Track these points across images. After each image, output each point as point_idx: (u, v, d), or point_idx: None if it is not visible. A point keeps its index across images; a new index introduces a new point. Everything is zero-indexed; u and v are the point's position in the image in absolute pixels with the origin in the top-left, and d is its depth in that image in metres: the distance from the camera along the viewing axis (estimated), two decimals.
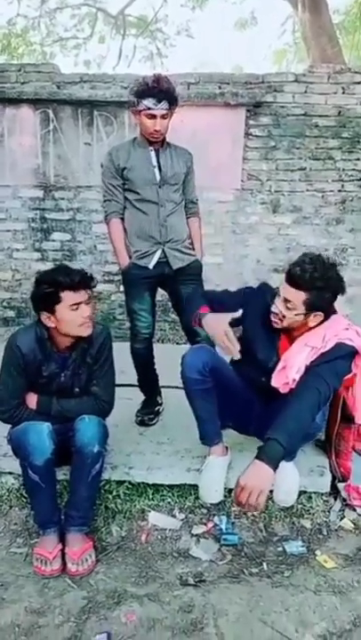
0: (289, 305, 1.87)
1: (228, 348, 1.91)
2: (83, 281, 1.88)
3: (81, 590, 1.77)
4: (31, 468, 1.83)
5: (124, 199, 2.41)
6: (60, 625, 1.63)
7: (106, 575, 1.84)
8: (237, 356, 1.93)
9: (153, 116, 2.23)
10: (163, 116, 2.24)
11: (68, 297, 1.86)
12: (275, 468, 1.68)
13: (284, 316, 1.90)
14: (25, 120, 3.96)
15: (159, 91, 2.20)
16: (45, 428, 1.87)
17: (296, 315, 1.88)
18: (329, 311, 1.94)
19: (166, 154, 2.38)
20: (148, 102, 2.21)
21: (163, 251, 2.41)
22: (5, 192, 4.10)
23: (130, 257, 2.42)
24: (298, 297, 1.85)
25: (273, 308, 1.92)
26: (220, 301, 2.10)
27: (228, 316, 1.97)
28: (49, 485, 1.88)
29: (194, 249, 2.53)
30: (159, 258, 2.41)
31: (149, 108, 2.22)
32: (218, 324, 1.95)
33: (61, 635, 1.59)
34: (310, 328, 1.95)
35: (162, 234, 2.39)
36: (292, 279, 1.85)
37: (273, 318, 1.94)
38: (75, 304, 1.86)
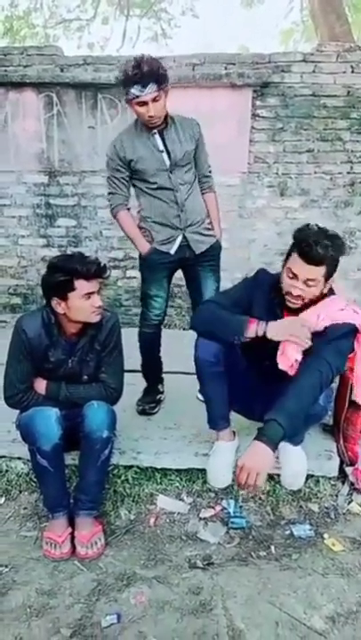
0: (311, 283, 1.83)
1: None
2: (97, 271, 1.88)
3: (90, 573, 1.79)
4: (39, 452, 1.84)
5: (129, 188, 2.37)
6: (70, 606, 1.65)
7: (115, 558, 1.86)
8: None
9: (144, 103, 2.14)
10: (154, 99, 2.14)
11: (81, 286, 1.85)
12: (274, 448, 1.67)
13: (305, 296, 1.86)
14: (28, 104, 3.92)
15: (141, 76, 2.08)
16: (53, 413, 1.88)
17: (318, 289, 1.86)
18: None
19: (171, 133, 2.29)
20: (135, 90, 2.11)
21: (183, 236, 2.37)
22: (10, 177, 4.07)
23: (150, 241, 2.38)
24: (320, 272, 1.83)
25: (293, 291, 1.86)
26: (235, 304, 2.03)
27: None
28: (57, 470, 1.90)
29: (212, 227, 2.48)
30: (180, 242, 2.38)
31: (137, 96, 2.12)
32: (286, 328, 1.84)
33: (72, 616, 1.62)
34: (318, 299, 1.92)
35: (181, 219, 2.35)
36: (314, 258, 1.80)
37: (292, 300, 1.89)
38: (87, 293, 1.86)
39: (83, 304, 1.88)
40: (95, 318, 1.93)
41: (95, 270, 1.87)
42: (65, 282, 1.85)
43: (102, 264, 1.91)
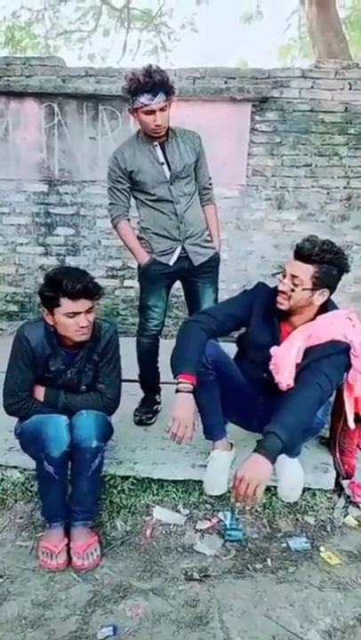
0: (296, 281, 1.87)
1: (179, 436, 1.79)
2: (85, 292, 1.82)
3: (86, 584, 1.78)
4: (47, 459, 1.83)
5: (130, 199, 2.39)
6: (65, 618, 1.64)
7: (111, 569, 1.85)
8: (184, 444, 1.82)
9: (152, 112, 2.15)
10: (161, 109, 2.16)
11: (66, 304, 1.83)
12: (273, 461, 1.68)
13: (291, 294, 1.89)
14: (30, 114, 3.95)
15: (153, 84, 2.10)
16: (62, 420, 1.88)
17: (303, 290, 1.88)
18: (334, 289, 1.95)
19: (172, 146, 2.31)
20: (144, 99, 2.12)
21: (183, 247, 2.39)
22: (9, 186, 4.09)
23: (149, 252, 2.40)
24: (306, 271, 1.86)
25: (280, 287, 1.91)
26: (229, 316, 2.06)
27: (194, 412, 1.85)
28: (62, 478, 1.89)
29: (211, 239, 2.50)
30: (179, 254, 2.39)
31: (146, 105, 2.13)
32: (184, 414, 1.80)
33: (67, 627, 1.60)
34: (314, 316, 1.95)
35: (181, 231, 2.36)
36: (302, 253, 1.87)
37: (279, 299, 1.93)
38: (72, 313, 1.83)
39: (67, 321, 1.85)
40: (79, 338, 1.90)
41: (80, 291, 1.81)
42: (51, 297, 1.84)
43: (92, 285, 1.84)
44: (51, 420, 1.87)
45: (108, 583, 1.78)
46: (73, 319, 1.84)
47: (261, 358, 2.01)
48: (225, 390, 2.06)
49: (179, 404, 1.81)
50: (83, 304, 1.84)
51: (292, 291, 1.89)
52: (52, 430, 1.84)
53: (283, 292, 1.91)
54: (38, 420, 1.90)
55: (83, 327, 1.86)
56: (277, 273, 1.99)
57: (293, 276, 1.88)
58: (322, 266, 1.86)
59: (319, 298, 1.91)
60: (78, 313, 1.83)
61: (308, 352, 1.91)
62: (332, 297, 2.02)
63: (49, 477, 1.86)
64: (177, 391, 1.84)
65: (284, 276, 1.91)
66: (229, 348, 2.16)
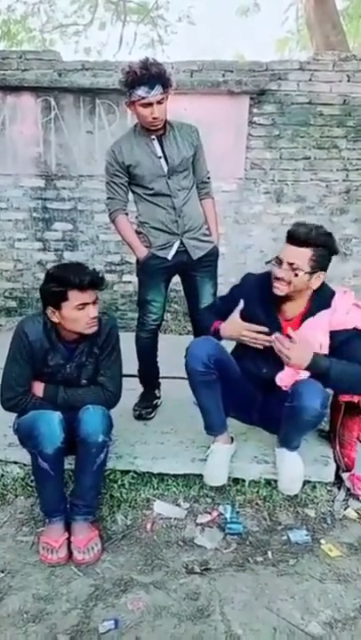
0: (294, 266, 1.87)
1: (258, 339, 1.97)
2: (92, 282, 1.86)
3: (87, 578, 1.78)
4: (41, 456, 1.83)
5: (129, 194, 2.38)
6: (67, 612, 1.64)
7: (112, 563, 1.85)
8: (268, 343, 1.97)
9: (149, 104, 2.14)
10: (159, 102, 2.15)
11: (74, 297, 1.84)
12: (311, 366, 1.85)
13: (290, 282, 1.89)
14: (26, 108, 3.92)
15: (150, 77, 2.09)
16: (56, 416, 1.87)
17: (303, 274, 1.88)
18: (326, 270, 1.97)
19: (170, 140, 2.30)
20: (141, 91, 2.11)
21: (181, 241, 2.38)
22: (6, 181, 4.07)
23: (147, 246, 2.39)
24: (304, 255, 1.87)
25: (279, 274, 1.90)
26: (222, 307, 2.16)
27: (235, 313, 2.03)
28: (57, 474, 1.89)
29: (210, 233, 2.50)
30: (178, 248, 2.38)
31: (143, 97, 2.12)
32: (234, 326, 2.02)
33: (69, 621, 1.61)
34: (307, 304, 1.97)
35: (179, 225, 2.35)
36: (298, 237, 1.87)
37: (276, 284, 1.93)
38: (81, 304, 1.85)
39: (77, 315, 1.87)
40: (90, 330, 1.92)
41: (89, 281, 1.84)
42: (58, 292, 1.84)
43: (99, 275, 1.89)
44: (43, 417, 1.87)
45: (109, 577, 1.79)
46: (83, 311, 1.86)
47: (262, 355, 2.01)
48: (225, 386, 2.06)
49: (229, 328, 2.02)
50: (91, 294, 1.87)
51: (290, 282, 1.89)
52: (45, 427, 1.83)
53: (282, 279, 1.91)
54: (32, 417, 1.90)
55: (93, 318, 1.89)
56: (271, 261, 1.98)
57: (291, 263, 1.87)
58: (318, 248, 1.87)
59: (316, 281, 1.92)
60: (87, 304, 1.86)
61: (333, 335, 1.93)
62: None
63: (44, 474, 1.86)
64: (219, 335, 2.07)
65: (280, 263, 1.90)
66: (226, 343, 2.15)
